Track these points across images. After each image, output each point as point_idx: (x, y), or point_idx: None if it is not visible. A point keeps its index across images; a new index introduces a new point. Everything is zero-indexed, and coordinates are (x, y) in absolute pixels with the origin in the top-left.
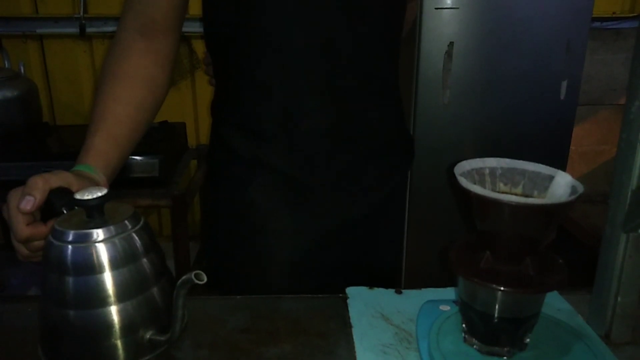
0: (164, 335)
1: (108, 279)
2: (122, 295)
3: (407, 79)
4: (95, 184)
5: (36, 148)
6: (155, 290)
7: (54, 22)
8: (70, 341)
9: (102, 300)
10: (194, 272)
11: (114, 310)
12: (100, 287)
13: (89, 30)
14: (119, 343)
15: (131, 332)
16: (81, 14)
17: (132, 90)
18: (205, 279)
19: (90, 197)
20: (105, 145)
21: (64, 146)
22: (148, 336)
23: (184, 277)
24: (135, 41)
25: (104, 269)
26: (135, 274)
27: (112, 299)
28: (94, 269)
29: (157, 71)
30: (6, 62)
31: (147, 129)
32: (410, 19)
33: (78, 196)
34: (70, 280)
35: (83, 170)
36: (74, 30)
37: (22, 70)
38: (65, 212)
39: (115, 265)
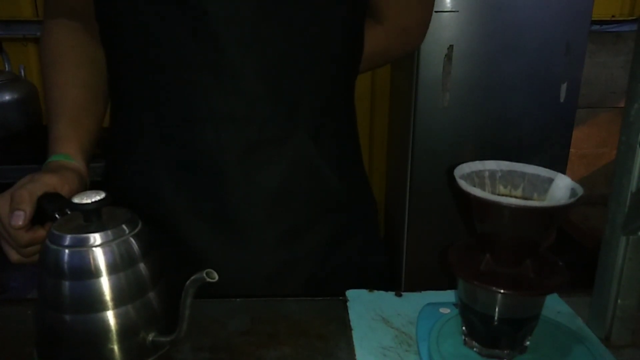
0: (169, 336)
1: (105, 283)
2: (119, 299)
3: (407, 82)
4: (78, 173)
5: (36, 151)
6: (152, 294)
7: None
8: (66, 346)
9: (98, 305)
10: (206, 271)
11: (110, 315)
12: (97, 291)
13: None
14: (115, 348)
15: (129, 337)
16: None
17: (79, 71)
18: (217, 277)
19: (88, 201)
20: (72, 131)
21: None
22: (150, 338)
23: (194, 276)
24: (66, 26)
25: (101, 273)
26: (132, 279)
27: (109, 303)
28: (91, 273)
29: (98, 50)
30: (7, 65)
31: (105, 111)
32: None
33: (76, 200)
34: (66, 284)
35: (61, 160)
36: None
37: (23, 73)
38: (58, 217)
39: (112, 269)
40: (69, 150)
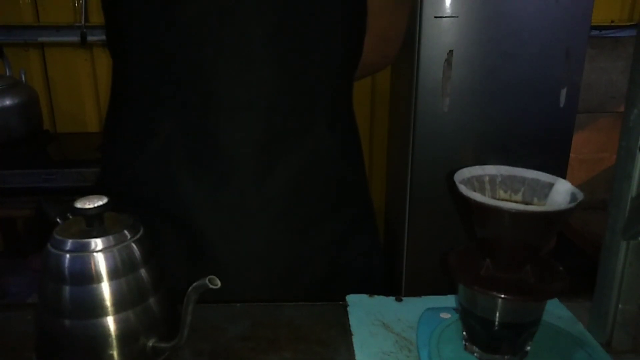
0: (169, 342)
1: (106, 288)
2: (120, 305)
3: (407, 87)
4: None
5: (36, 156)
6: (153, 300)
7: (55, 30)
8: (66, 351)
9: (99, 310)
10: (208, 278)
11: (111, 321)
12: (98, 296)
13: (90, 38)
14: (116, 354)
15: (129, 342)
16: (82, 22)
17: None
18: (219, 284)
19: (90, 205)
20: None
21: (64, 154)
22: (151, 344)
23: (196, 283)
24: None
25: (102, 278)
26: (133, 284)
27: (109, 309)
28: (92, 278)
29: None
30: (7, 70)
31: None
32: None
33: (79, 205)
34: (67, 289)
35: None
36: (75, 38)
37: (24, 78)
38: (60, 221)
39: (113, 275)
40: None
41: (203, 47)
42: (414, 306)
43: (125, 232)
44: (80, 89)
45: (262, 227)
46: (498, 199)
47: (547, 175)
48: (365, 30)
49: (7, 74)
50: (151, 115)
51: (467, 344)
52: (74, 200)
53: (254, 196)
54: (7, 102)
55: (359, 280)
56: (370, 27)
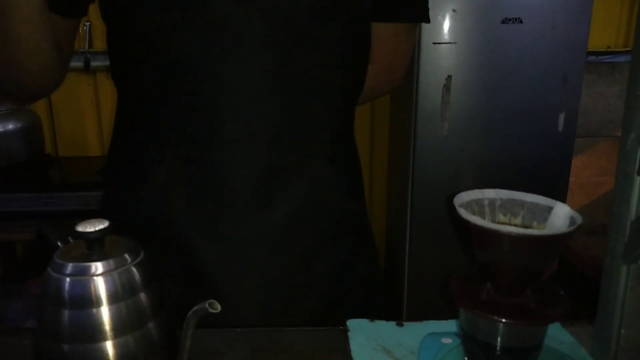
0: None
1: (105, 313)
2: (119, 329)
3: (407, 112)
4: None
5: (38, 179)
6: (152, 325)
7: None
8: None
9: (98, 335)
10: (208, 302)
11: (110, 345)
12: (97, 321)
13: (93, 64)
14: None
15: None
16: (86, 48)
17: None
18: (219, 308)
19: (91, 229)
20: None
21: (65, 177)
22: None
23: (196, 307)
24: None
25: (102, 302)
26: (133, 308)
27: (108, 333)
28: (92, 302)
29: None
30: None
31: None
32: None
33: (79, 228)
34: (67, 313)
35: None
36: (78, 64)
37: None
38: (60, 245)
39: (113, 299)
40: None
41: (205, 84)
42: (415, 331)
43: (126, 255)
44: (83, 113)
45: (261, 258)
46: (497, 223)
47: (547, 199)
48: (367, 63)
49: None
50: (153, 146)
51: None
52: (75, 223)
53: (253, 227)
54: (10, 126)
55: (358, 310)
56: (376, 55)
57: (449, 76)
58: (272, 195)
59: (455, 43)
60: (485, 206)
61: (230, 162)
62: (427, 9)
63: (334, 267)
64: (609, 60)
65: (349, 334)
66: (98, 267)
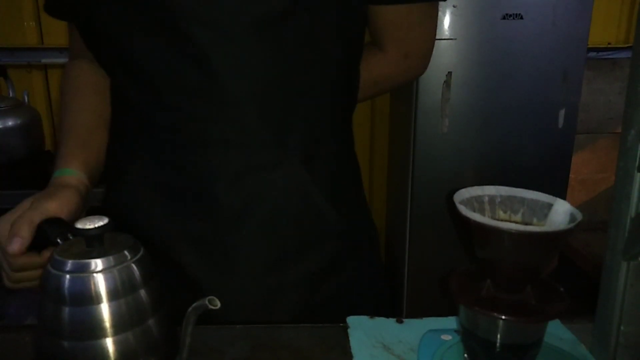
0: None
1: (105, 310)
2: (119, 326)
3: (407, 108)
4: (78, 192)
5: (37, 176)
6: (152, 322)
7: (58, 52)
8: None
9: (98, 332)
10: (208, 298)
11: (110, 342)
12: (97, 318)
13: None
14: None
15: None
16: None
17: (92, 99)
18: (219, 305)
19: (90, 226)
20: (78, 149)
21: None
22: None
23: (196, 303)
24: (86, 64)
25: (102, 299)
26: (132, 305)
27: (108, 330)
28: (92, 299)
29: (106, 83)
30: (11, 91)
31: (107, 136)
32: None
33: (79, 225)
34: (67, 310)
35: (65, 177)
36: None
37: (26, 100)
38: (60, 242)
39: (113, 296)
40: (73, 166)
41: (177, 95)
42: (415, 328)
43: (126, 252)
44: None
45: (242, 260)
46: (497, 220)
47: (547, 195)
48: (356, 62)
49: (10, 95)
50: (131, 145)
51: None
52: (75, 220)
53: (231, 230)
54: (10, 122)
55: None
56: (386, 44)
57: (449, 72)
58: (243, 199)
59: (456, 39)
60: (485, 203)
61: (200, 164)
62: None
63: (311, 270)
64: (610, 57)
65: (349, 330)
66: (98, 264)
